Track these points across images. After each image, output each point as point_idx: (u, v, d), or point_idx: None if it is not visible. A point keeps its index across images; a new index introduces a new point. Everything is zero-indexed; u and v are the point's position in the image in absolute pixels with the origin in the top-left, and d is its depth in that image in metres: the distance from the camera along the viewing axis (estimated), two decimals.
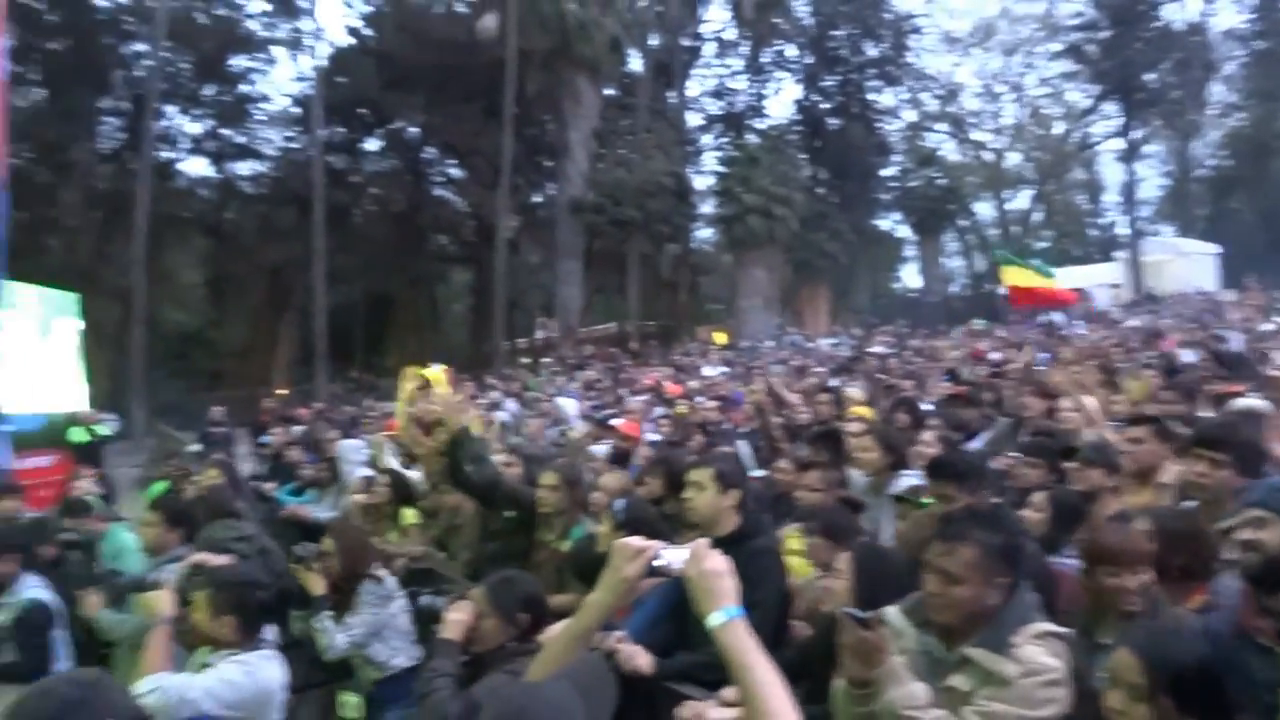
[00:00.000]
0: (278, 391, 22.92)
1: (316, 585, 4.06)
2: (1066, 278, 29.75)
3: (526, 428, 10.60)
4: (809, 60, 35.93)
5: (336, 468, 7.96)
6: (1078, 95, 38.33)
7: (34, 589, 4.04)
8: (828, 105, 35.63)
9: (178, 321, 35.05)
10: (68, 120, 27.08)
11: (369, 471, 7.10)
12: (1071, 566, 3.21)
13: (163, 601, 3.15)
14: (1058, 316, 20.31)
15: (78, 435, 12.09)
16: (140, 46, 28.35)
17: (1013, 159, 45.23)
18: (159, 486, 7.15)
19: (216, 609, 3.04)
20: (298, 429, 11.73)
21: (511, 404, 13.54)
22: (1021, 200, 45.58)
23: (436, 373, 5.36)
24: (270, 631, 3.32)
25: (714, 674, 2.91)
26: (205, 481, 6.17)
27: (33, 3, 24.78)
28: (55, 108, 27.09)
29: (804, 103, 36.14)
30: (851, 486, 4.66)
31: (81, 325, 14.06)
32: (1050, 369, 7.73)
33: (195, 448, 10.48)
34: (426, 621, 4.09)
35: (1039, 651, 2.15)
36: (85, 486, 6.98)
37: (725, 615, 1.67)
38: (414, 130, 34.53)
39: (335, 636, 4.00)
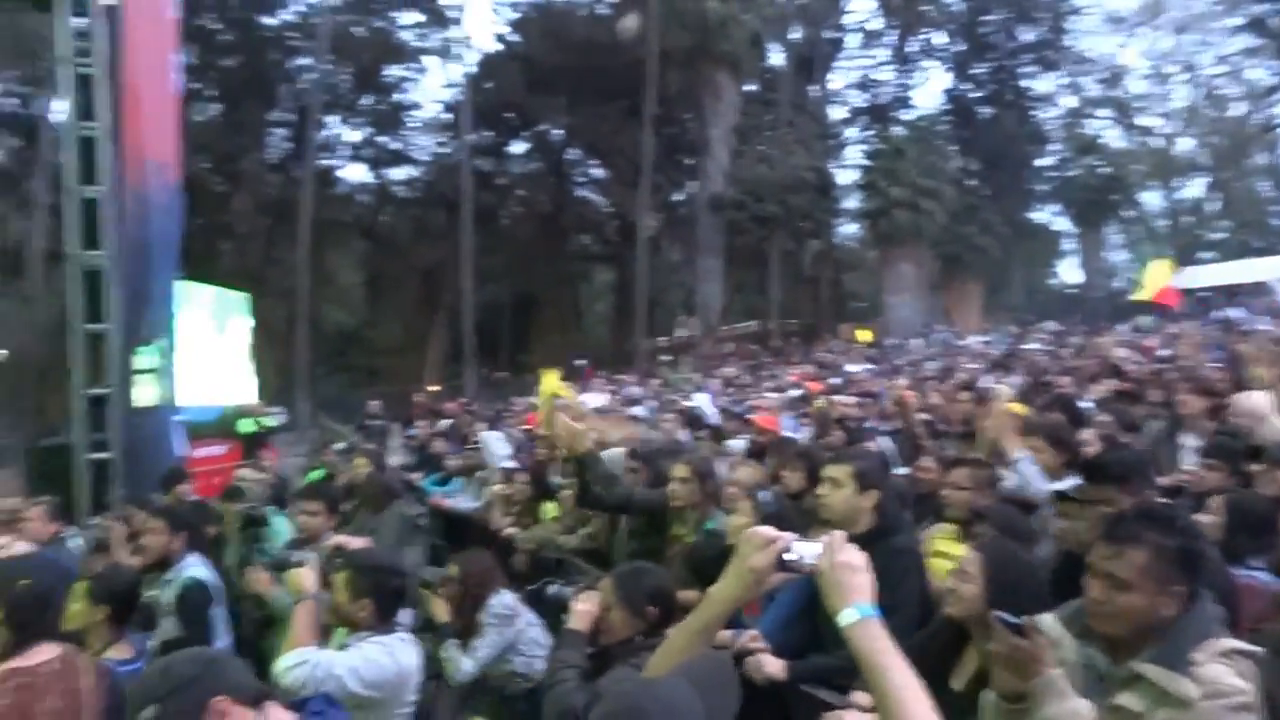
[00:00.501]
0: (428, 387, 23.78)
1: (442, 610, 4.06)
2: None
3: (661, 425, 10.57)
4: (959, 47, 34.62)
5: (480, 459, 8.14)
6: (1260, 73, 35.48)
7: (195, 567, 4.26)
8: (979, 93, 34.21)
9: (338, 320, 36.90)
10: (240, 132, 28.97)
11: (511, 464, 7.23)
12: (1257, 579, 2.91)
13: (307, 579, 3.24)
14: (1235, 312, 18.91)
15: (246, 426, 12.81)
16: (304, 61, 30.05)
17: (1184, 145, 42.21)
18: (317, 475, 7.49)
19: (355, 591, 3.10)
20: (444, 422, 12.09)
21: (651, 401, 13.56)
22: (1194, 189, 42.51)
23: (550, 378, 5.44)
24: (407, 615, 3.37)
25: (850, 678, 2.77)
26: (357, 470, 6.39)
27: (210, 24, 26.63)
28: (229, 121, 29.03)
29: (953, 92, 34.84)
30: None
31: (252, 323, 14.97)
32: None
33: (342, 445, 10.95)
34: (555, 611, 4.07)
35: (1225, 671, 1.90)
36: (246, 474, 7.35)
37: (859, 613, 1.54)
38: (557, 132, 35.21)
39: (462, 662, 4.00)
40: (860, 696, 2.66)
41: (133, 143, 8.96)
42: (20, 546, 4.51)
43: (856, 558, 1.62)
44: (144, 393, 9.26)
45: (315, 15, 28.33)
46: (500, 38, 34.49)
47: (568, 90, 31.93)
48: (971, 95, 34.25)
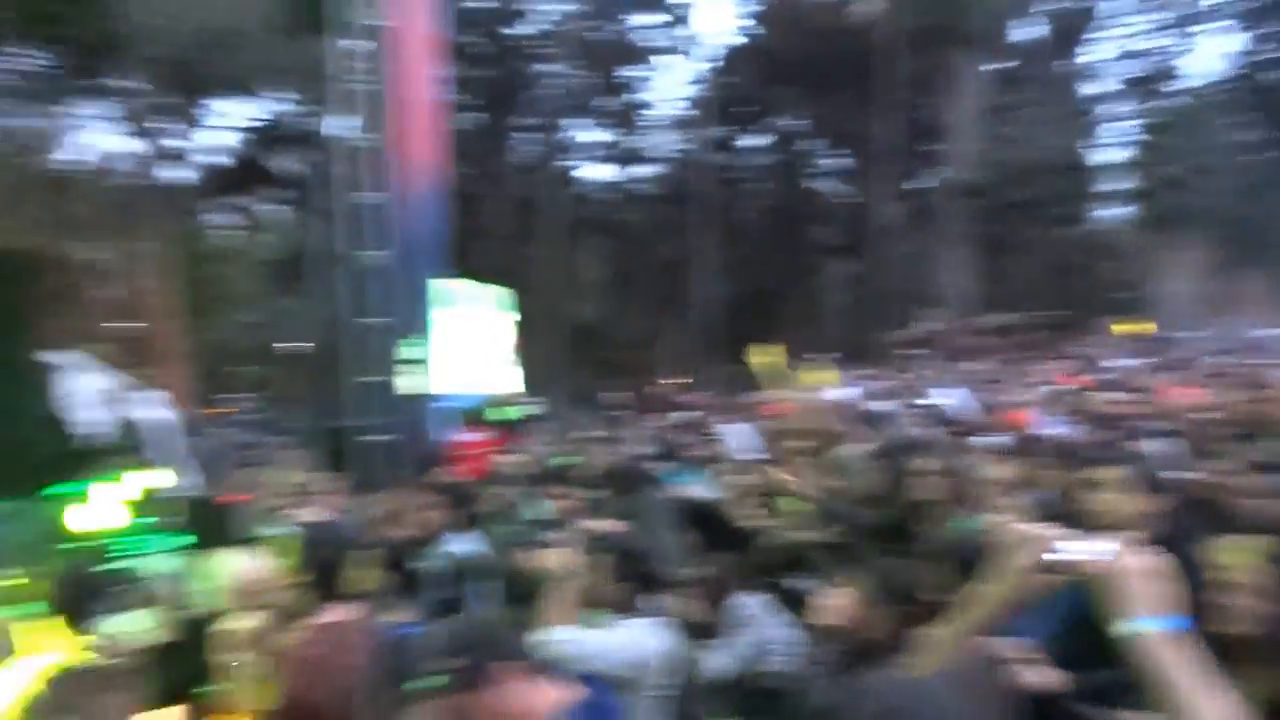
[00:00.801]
0: (668, 379, 24.29)
1: (685, 607, 4.07)
2: None
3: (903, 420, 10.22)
4: (1245, 6, 30.95)
5: (719, 450, 8.20)
6: None
7: (458, 543, 4.59)
8: (1271, 57, 30.40)
9: (585, 315, 38.43)
10: (495, 138, 30.89)
11: (751, 455, 7.23)
12: None
13: (560, 559, 3.38)
14: None
15: (507, 414, 13.61)
16: (547, 67, 31.60)
17: None
18: (568, 461, 7.85)
19: (609, 574, 3.21)
20: (685, 414, 12.31)
21: (894, 397, 13.14)
22: None
23: (767, 355, 5.38)
24: (657, 601, 3.45)
25: (1131, 695, 2.53)
26: (602, 458, 6.65)
27: (470, 38, 28.57)
28: (487, 128, 31.02)
29: (1238, 56, 31.18)
30: None
31: (516, 318, 15.99)
32: None
33: (588, 434, 11.38)
34: (793, 606, 4.00)
35: None
36: (505, 459, 7.83)
37: (1151, 624, 1.40)
38: (795, 123, 34.87)
39: (708, 660, 3.98)
40: (1132, 715, 2.44)
41: (401, 151, 9.77)
42: (312, 515, 5.02)
43: (1153, 563, 1.47)
44: (409, 381, 10.10)
45: (558, 24, 29.79)
46: (740, 30, 34.66)
47: (806, 80, 31.50)
48: (1261, 59, 30.50)
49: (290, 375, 23.65)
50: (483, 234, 30.37)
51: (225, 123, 26.28)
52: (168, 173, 23.86)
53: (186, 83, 21.73)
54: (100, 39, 19.57)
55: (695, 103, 34.10)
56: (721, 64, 32.85)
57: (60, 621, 2.96)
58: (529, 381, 22.19)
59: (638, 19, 33.41)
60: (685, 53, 33.60)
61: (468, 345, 13.38)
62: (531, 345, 26.32)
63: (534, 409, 14.91)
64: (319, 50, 11.29)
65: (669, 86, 35.32)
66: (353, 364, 9.76)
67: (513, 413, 13.60)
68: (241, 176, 27.04)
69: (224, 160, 26.87)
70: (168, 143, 23.69)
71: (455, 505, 5.00)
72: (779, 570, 5.04)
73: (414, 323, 10.14)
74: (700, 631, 4.04)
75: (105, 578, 3.44)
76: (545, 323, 26.50)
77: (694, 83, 34.34)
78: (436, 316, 11.01)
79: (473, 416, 12.82)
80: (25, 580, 3.17)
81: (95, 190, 22.60)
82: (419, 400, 10.20)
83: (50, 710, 2.33)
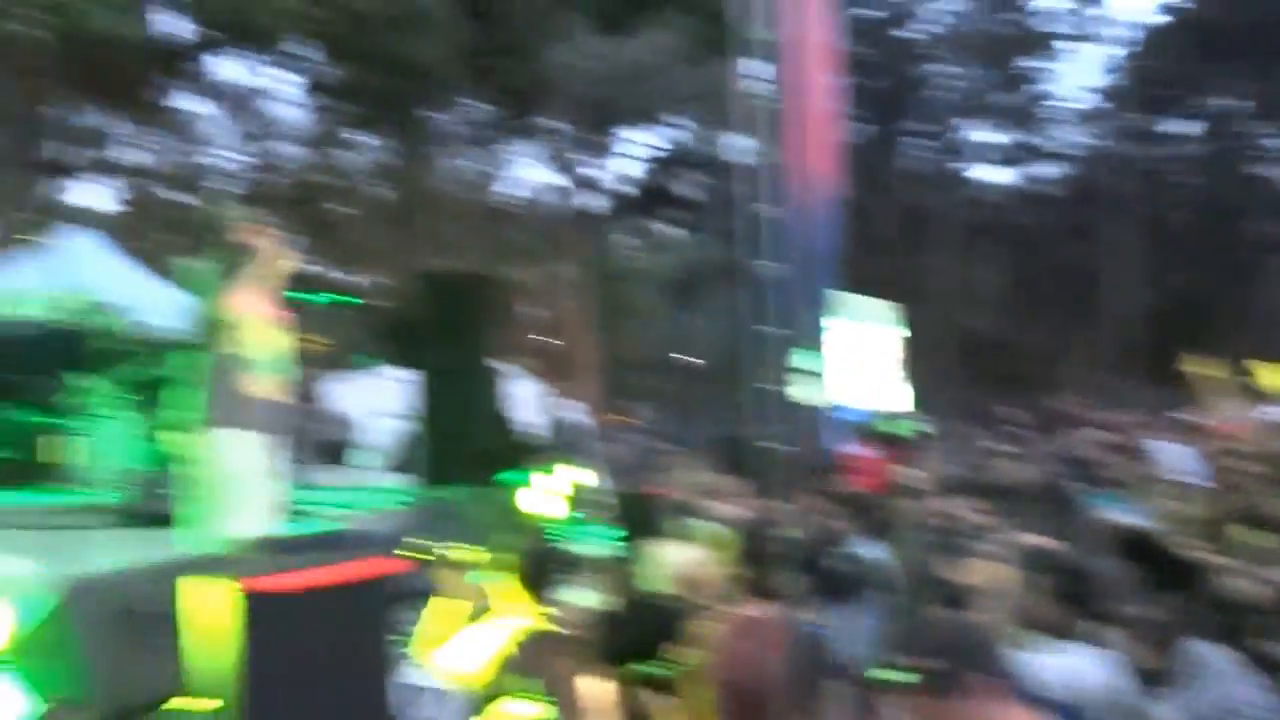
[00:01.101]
0: (1076, 395, 22.33)
1: (1136, 650, 3.64)
2: None
3: None
4: None
5: (1150, 472, 7.38)
6: None
7: (865, 549, 4.56)
8: None
9: (980, 326, 36.43)
10: (885, 145, 30.39)
11: (1192, 479, 6.41)
12: None
13: (995, 573, 3.21)
14: None
15: (897, 429, 13.30)
16: (942, 68, 30.41)
17: None
18: (972, 476, 7.51)
19: (1048, 593, 3.00)
20: (1104, 432, 11.20)
21: None
22: None
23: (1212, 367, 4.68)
24: (1098, 631, 3.16)
25: None
26: (1003, 476, 6.26)
27: (861, 48, 28.48)
28: (879, 135, 30.62)
29: None
30: None
31: (905, 333, 15.67)
32: None
33: (991, 448, 10.75)
34: (1267, 667, 3.37)
35: None
36: (907, 472, 7.67)
37: None
38: (1235, 103, 30.43)
39: (1164, 712, 3.46)
40: None
41: (799, 165, 9.92)
42: (735, 512, 5.21)
43: None
44: (803, 392, 10.20)
45: (954, 18, 28.60)
46: (1161, 8, 31.01)
47: (1248, 52, 27.30)
48: None
49: (687, 386, 25.04)
50: (873, 245, 30.00)
51: (632, 151, 28.46)
52: (584, 200, 26.34)
53: (600, 117, 23.87)
54: (530, 85, 22.19)
55: (1108, 92, 31.05)
56: (1141, 46, 29.51)
57: (525, 590, 3.36)
58: (919, 396, 21.52)
59: (1040, 3, 31.18)
60: (1095, 37, 30.70)
61: (858, 359, 13.30)
62: (922, 358, 25.45)
63: (925, 425, 14.44)
64: (720, 74, 11.83)
65: (1075, 76, 32.49)
66: (751, 373, 10.06)
67: (903, 428, 13.27)
68: (646, 200, 29.10)
69: (631, 187, 29.09)
70: (584, 173, 26.18)
71: (859, 514, 4.97)
72: (1242, 619, 4.33)
73: (809, 334, 10.23)
74: (1147, 677, 3.56)
75: (559, 554, 3.86)
76: (937, 335, 25.53)
77: (1108, 70, 31.27)
78: (830, 328, 11.04)
79: (864, 430, 12.70)
80: (492, 554, 3.63)
81: (526, 219, 25.64)
82: (812, 411, 10.28)
83: (519, 668, 2.64)
